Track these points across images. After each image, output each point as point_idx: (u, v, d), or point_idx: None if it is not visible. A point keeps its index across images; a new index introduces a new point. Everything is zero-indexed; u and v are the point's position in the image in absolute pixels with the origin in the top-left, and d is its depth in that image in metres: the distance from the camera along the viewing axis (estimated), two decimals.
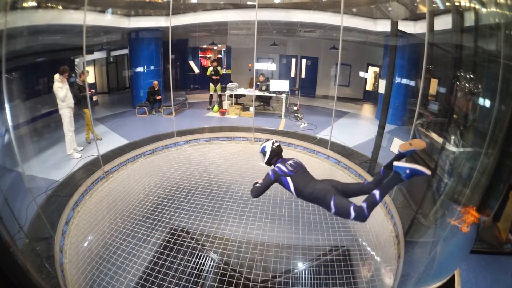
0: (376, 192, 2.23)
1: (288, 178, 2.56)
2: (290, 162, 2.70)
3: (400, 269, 3.13)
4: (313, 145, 6.09)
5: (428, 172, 2.07)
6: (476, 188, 2.62)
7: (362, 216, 2.18)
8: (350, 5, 7.75)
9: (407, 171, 2.09)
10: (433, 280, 2.39)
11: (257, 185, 2.61)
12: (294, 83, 12.84)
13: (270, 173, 2.59)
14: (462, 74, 3.38)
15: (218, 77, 9.31)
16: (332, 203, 2.31)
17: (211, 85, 9.41)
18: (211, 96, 9.64)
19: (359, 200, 2.30)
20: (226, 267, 3.58)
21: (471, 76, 3.31)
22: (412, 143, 2.24)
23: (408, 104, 8.07)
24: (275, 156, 2.81)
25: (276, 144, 2.86)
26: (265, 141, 2.91)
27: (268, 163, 2.84)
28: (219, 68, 9.39)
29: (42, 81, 7.27)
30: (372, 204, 2.20)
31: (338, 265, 3.47)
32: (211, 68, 9.31)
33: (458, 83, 3.37)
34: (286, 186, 2.57)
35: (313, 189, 2.45)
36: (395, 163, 2.20)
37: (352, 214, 2.20)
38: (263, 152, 2.83)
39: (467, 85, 3.28)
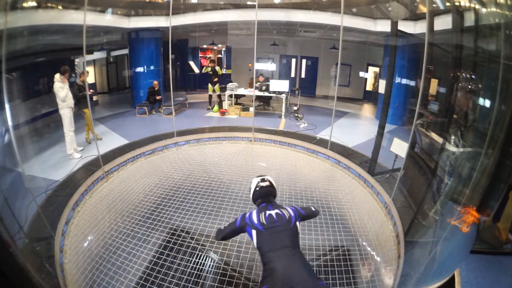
0: None
1: (254, 232, 1.98)
2: (273, 212, 2.06)
3: (400, 269, 3.13)
4: (313, 145, 6.09)
5: None
6: (476, 188, 2.62)
7: None
8: (350, 5, 7.75)
9: None
10: (433, 280, 2.39)
11: (221, 227, 2.22)
12: (294, 83, 12.84)
13: (239, 217, 2.11)
14: (461, 73, 3.39)
15: (216, 79, 9.30)
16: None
17: (210, 85, 9.42)
18: (210, 96, 9.65)
19: None
20: (226, 267, 3.58)
21: (470, 75, 3.32)
22: None
23: (408, 104, 8.08)
24: (260, 198, 2.22)
25: (265, 183, 2.24)
26: (258, 176, 2.37)
27: (254, 202, 2.29)
28: (217, 68, 9.37)
29: (42, 81, 7.27)
30: None
31: (338, 265, 3.47)
32: (209, 68, 9.31)
33: (457, 82, 3.37)
34: (250, 237, 2.02)
35: (270, 260, 1.84)
36: None
37: None
38: (249, 188, 2.31)
39: (466, 84, 3.28)
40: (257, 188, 2.23)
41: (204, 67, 9.62)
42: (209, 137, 6.62)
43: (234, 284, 3.22)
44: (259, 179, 2.30)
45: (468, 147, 3.18)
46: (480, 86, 3.16)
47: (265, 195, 2.22)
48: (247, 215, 2.09)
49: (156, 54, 9.65)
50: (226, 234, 2.15)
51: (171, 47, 6.38)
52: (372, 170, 4.78)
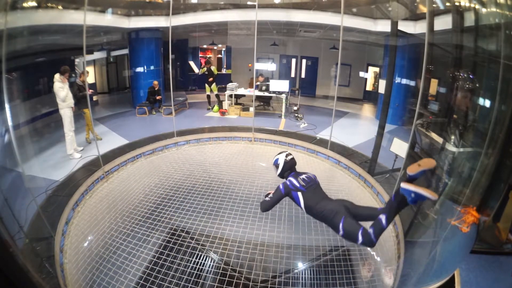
0: (382, 217, 2.10)
1: (299, 193, 2.48)
2: (303, 176, 2.62)
3: (400, 269, 3.13)
4: (313, 145, 6.09)
5: (433, 197, 1.91)
6: (476, 188, 2.62)
7: (369, 242, 2.11)
8: (350, 5, 7.75)
9: (412, 194, 1.94)
10: (433, 280, 2.39)
11: (267, 198, 2.53)
12: (294, 83, 12.84)
13: (281, 186, 2.52)
14: (458, 72, 3.39)
15: (211, 78, 9.31)
16: (340, 225, 2.22)
17: (206, 85, 9.44)
18: (208, 96, 9.66)
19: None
20: (226, 267, 3.58)
21: (468, 74, 3.32)
22: (421, 164, 2.05)
23: (408, 104, 8.08)
24: (288, 169, 2.72)
25: (290, 157, 2.78)
26: (278, 153, 2.83)
27: (281, 175, 2.76)
28: (213, 68, 9.37)
29: (42, 81, 7.27)
30: (379, 230, 2.10)
31: (338, 265, 3.47)
32: (204, 69, 9.32)
33: (454, 81, 3.38)
34: (297, 201, 2.51)
35: (323, 208, 2.37)
36: (402, 185, 2.00)
37: (360, 239, 2.13)
38: (276, 164, 2.76)
39: (463, 83, 3.29)
40: (285, 163, 2.73)
41: (201, 68, 9.66)
42: (209, 137, 6.62)
43: (234, 284, 3.22)
44: (283, 155, 2.79)
45: (468, 147, 3.18)
46: (477, 85, 3.16)
47: (291, 166, 2.75)
48: (288, 182, 2.54)
49: (156, 54, 9.65)
50: (273, 203, 2.51)
51: (171, 47, 6.38)
52: (372, 170, 4.78)
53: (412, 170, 2.05)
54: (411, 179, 2.06)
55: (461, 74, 3.44)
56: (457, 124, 3.43)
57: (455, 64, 3.62)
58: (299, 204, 2.49)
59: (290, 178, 2.57)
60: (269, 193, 2.61)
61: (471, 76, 3.33)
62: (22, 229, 3.23)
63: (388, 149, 4.66)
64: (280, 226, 3.96)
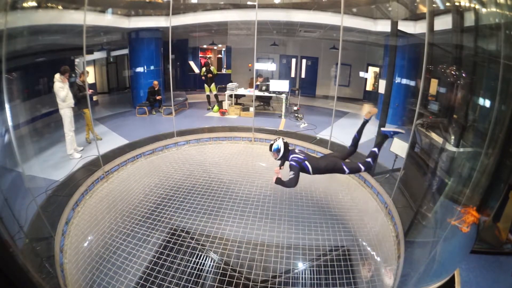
0: (375, 149, 3.10)
1: (306, 162, 3.06)
2: (297, 151, 3.23)
3: (400, 269, 3.13)
4: (313, 145, 6.09)
5: (402, 131, 3.24)
6: (476, 188, 2.62)
7: (369, 166, 3.05)
8: (350, 5, 7.75)
9: (392, 133, 3.19)
10: (433, 280, 2.40)
11: (291, 176, 2.90)
12: (294, 83, 12.83)
13: (294, 163, 3.02)
14: (449, 69, 3.42)
15: (210, 75, 9.30)
16: (344, 167, 3.04)
17: (206, 85, 9.44)
18: (208, 96, 9.67)
19: None
20: (226, 267, 3.58)
21: (459, 70, 3.34)
22: (371, 111, 3.24)
23: (408, 104, 8.07)
24: (287, 150, 3.22)
25: (284, 140, 3.29)
26: (274, 141, 3.25)
27: (281, 157, 3.23)
28: (212, 68, 9.38)
29: (42, 81, 7.27)
30: (375, 157, 3.09)
31: (338, 265, 3.47)
32: (204, 69, 9.33)
33: (446, 77, 3.41)
34: (306, 169, 3.06)
35: (324, 163, 3.11)
36: (383, 129, 3.30)
37: (362, 168, 3.01)
38: (277, 150, 3.21)
39: (455, 79, 3.31)
40: (284, 146, 3.19)
41: (201, 70, 9.66)
42: (209, 137, 6.62)
43: (234, 284, 3.22)
44: (280, 140, 3.22)
45: (468, 147, 3.18)
46: (468, 80, 3.18)
47: (288, 147, 3.24)
48: (296, 158, 3.07)
49: (156, 54, 9.64)
50: (297, 178, 2.91)
51: (171, 47, 6.37)
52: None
53: (367, 116, 3.21)
54: (366, 121, 3.23)
55: (454, 72, 3.47)
56: (457, 124, 3.43)
57: (455, 64, 3.62)
58: (308, 170, 3.06)
59: (294, 155, 3.11)
60: (278, 177, 2.96)
61: (463, 74, 3.35)
62: (22, 229, 3.23)
63: (388, 149, 4.66)
64: (280, 226, 3.96)
